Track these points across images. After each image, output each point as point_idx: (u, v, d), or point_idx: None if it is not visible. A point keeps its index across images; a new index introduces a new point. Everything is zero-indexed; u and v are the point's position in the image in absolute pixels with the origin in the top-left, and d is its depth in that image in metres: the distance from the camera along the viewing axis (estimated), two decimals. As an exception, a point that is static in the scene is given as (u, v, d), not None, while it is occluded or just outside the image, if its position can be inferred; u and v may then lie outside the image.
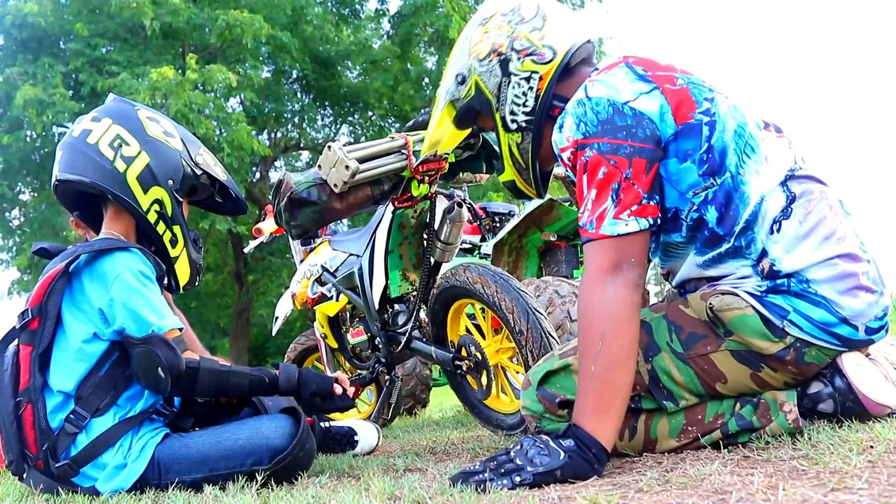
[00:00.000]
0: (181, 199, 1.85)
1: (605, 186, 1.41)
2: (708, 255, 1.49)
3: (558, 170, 2.28)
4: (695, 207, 1.46)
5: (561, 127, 1.50)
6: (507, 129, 1.65)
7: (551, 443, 1.35)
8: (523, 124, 1.63)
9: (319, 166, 1.97)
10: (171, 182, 1.82)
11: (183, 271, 1.90)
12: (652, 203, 1.42)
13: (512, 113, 1.63)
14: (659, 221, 1.44)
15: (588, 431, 1.34)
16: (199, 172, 1.88)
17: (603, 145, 1.42)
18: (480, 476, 1.31)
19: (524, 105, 1.62)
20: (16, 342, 1.72)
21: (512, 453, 1.36)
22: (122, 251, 1.72)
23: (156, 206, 1.80)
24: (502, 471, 1.32)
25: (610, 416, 1.36)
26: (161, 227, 1.82)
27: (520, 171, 1.71)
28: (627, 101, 1.44)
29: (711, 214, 1.45)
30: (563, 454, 1.32)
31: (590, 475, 1.31)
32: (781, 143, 1.51)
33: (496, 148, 1.75)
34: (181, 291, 1.94)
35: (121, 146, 1.79)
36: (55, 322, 1.70)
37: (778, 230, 1.42)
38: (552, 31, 1.60)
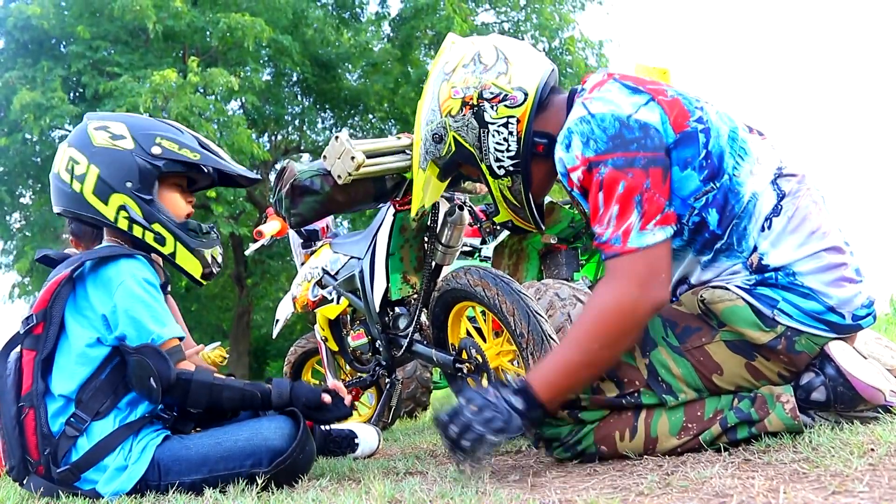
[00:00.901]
0: (150, 197, 1.80)
1: (629, 200, 1.41)
2: (707, 256, 1.54)
3: None
4: (696, 212, 1.50)
5: (568, 146, 1.49)
6: (495, 176, 1.67)
7: (503, 405, 1.42)
8: (511, 168, 1.65)
9: (324, 157, 1.97)
10: (129, 184, 1.78)
11: (188, 264, 1.85)
12: (672, 210, 1.45)
13: (497, 160, 1.64)
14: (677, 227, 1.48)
15: (543, 400, 1.43)
16: (159, 164, 1.81)
17: (618, 160, 1.42)
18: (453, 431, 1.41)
19: (508, 150, 1.63)
20: (18, 347, 1.72)
21: (469, 415, 1.41)
22: (126, 258, 1.72)
23: (123, 213, 1.77)
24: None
25: (566, 395, 1.50)
26: (138, 231, 1.79)
27: (515, 211, 1.74)
28: (631, 114, 1.45)
29: (713, 217, 1.50)
30: (515, 418, 1.41)
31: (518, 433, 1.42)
32: (765, 144, 1.57)
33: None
34: (203, 282, 1.90)
35: (73, 167, 1.79)
36: (59, 327, 1.70)
37: (769, 227, 1.48)
38: (517, 71, 1.62)
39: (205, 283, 1.91)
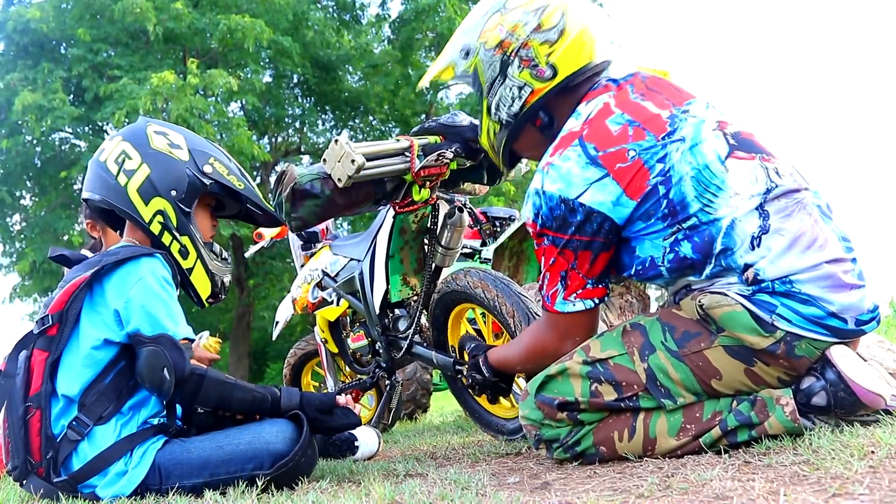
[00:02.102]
0: (188, 210, 1.84)
1: (556, 273, 1.60)
2: (699, 276, 1.54)
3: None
4: (668, 250, 1.53)
5: (530, 208, 1.62)
6: (489, 115, 1.74)
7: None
8: (504, 120, 1.72)
9: (324, 160, 1.97)
10: (174, 192, 1.82)
11: (201, 283, 1.89)
12: (599, 286, 1.61)
13: (497, 107, 1.71)
14: (606, 299, 1.64)
15: (492, 364, 1.87)
16: (206, 182, 1.87)
17: (556, 239, 1.58)
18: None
19: (510, 107, 1.69)
20: (30, 347, 1.72)
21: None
22: (147, 257, 1.75)
23: (158, 217, 1.81)
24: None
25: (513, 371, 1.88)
26: (167, 238, 1.82)
27: (492, 148, 1.82)
28: (578, 197, 1.53)
29: (686, 247, 1.51)
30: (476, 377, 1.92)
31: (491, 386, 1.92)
32: (751, 165, 1.53)
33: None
34: (205, 305, 1.94)
35: (124, 161, 1.83)
36: (72, 329, 1.71)
37: (758, 245, 1.46)
38: (563, 49, 1.63)
39: (207, 305, 1.95)
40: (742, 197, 1.49)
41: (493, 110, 1.73)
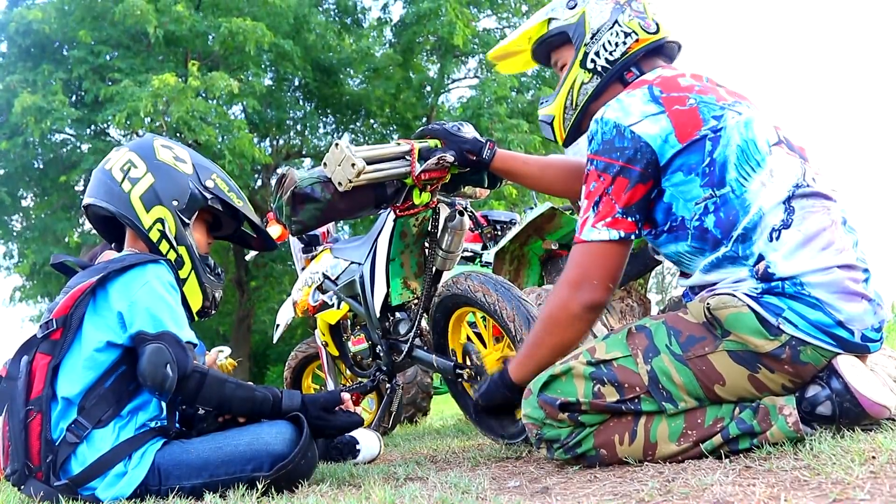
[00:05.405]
0: (188, 221, 1.88)
1: (592, 198, 1.62)
2: (709, 259, 1.55)
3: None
4: (697, 216, 1.55)
5: (588, 136, 1.67)
6: (583, 65, 1.80)
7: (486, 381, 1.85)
8: (599, 69, 1.79)
9: (325, 164, 1.97)
10: (175, 203, 1.86)
11: (193, 295, 1.90)
12: (628, 219, 1.59)
13: (597, 54, 1.78)
14: (633, 237, 1.61)
15: (514, 378, 1.75)
16: (208, 196, 1.91)
17: (599, 163, 1.61)
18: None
19: (611, 53, 1.77)
20: (32, 351, 1.73)
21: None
22: (153, 263, 1.77)
23: (158, 225, 1.84)
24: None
25: (529, 370, 1.71)
26: (164, 246, 1.85)
27: (566, 108, 1.85)
28: (631, 124, 1.58)
29: (710, 220, 1.53)
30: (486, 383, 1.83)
31: (500, 397, 1.80)
32: (791, 159, 1.57)
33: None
34: (195, 318, 1.95)
35: (129, 169, 1.87)
36: (75, 333, 1.72)
37: (777, 238, 1.47)
38: (661, 12, 1.78)
39: (196, 318, 1.96)
40: (776, 180, 1.51)
41: (589, 58, 1.78)
